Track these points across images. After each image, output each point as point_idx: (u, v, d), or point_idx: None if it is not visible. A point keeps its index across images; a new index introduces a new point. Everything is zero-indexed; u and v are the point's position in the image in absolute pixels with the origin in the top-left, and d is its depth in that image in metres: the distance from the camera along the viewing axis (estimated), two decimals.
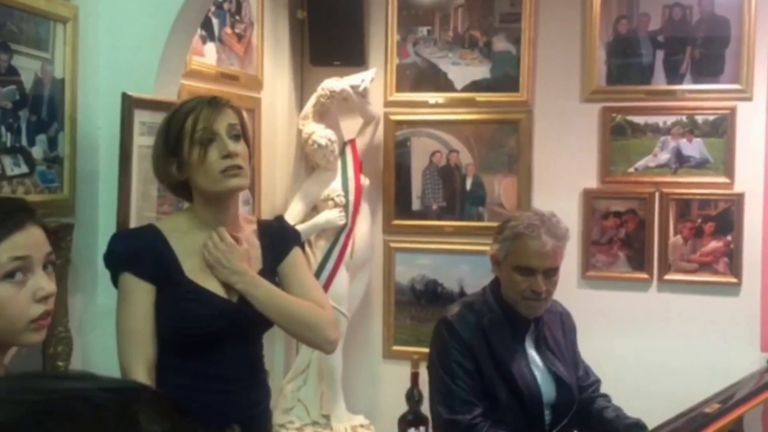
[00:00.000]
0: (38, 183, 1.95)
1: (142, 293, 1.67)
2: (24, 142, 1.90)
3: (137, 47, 2.15)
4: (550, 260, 2.14)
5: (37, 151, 1.95)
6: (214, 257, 1.70)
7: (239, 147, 1.69)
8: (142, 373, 1.63)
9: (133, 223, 2.06)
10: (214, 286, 1.71)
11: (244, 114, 1.81)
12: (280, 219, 2.01)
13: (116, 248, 1.72)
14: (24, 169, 1.90)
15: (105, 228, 2.13)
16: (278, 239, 1.86)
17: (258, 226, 1.87)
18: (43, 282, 1.25)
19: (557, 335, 2.30)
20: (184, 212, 1.80)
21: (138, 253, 1.68)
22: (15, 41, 1.86)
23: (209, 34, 2.99)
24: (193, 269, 1.71)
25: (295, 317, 1.76)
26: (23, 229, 1.23)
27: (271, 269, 1.81)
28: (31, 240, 1.24)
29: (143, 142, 2.10)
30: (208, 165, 1.66)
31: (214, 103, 1.69)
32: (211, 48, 3.01)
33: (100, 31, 2.15)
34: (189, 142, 1.66)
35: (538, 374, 2.19)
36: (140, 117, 2.07)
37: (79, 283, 2.10)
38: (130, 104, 2.03)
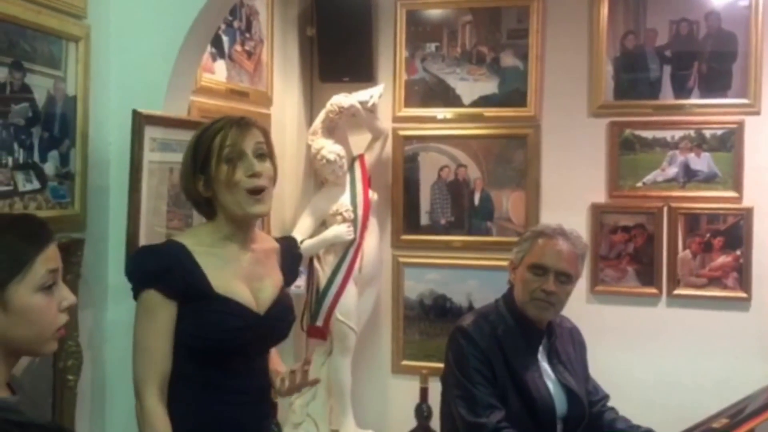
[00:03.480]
0: (50, 199, 1.97)
1: (165, 311, 1.70)
2: (36, 158, 1.93)
3: (148, 65, 2.18)
4: (564, 263, 2.17)
5: (49, 167, 1.97)
6: None
7: (265, 166, 1.75)
8: (154, 391, 1.67)
9: (143, 238, 2.08)
10: (242, 299, 1.75)
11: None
12: (296, 245, 2.08)
13: (144, 264, 1.74)
14: (36, 185, 1.92)
15: (115, 243, 2.15)
16: (293, 266, 1.97)
17: (281, 247, 1.93)
18: (66, 293, 1.29)
19: (568, 350, 2.31)
20: (205, 226, 1.83)
21: (167, 270, 1.70)
22: (28, 60, 1.89)
23: (219, 52, 3.03)
24: (221, 282, 1.73)
25: None
26: (53, 241, 1.27)
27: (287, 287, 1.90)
28: (57, 253, 1.28)
29: (153, 158, 2.13)
30: (234, 183, 1.71)
31: (242, 123, 1.76)
32: (221, 65, 3.04)
33: (111, 50, 2.18)
34: (216, 159, 1.71)
35: (550, 386, 2.19)
36: (150, 133, 2.10)
37: (89, 298, 2.11)
38: (140, 121, 2.06)
